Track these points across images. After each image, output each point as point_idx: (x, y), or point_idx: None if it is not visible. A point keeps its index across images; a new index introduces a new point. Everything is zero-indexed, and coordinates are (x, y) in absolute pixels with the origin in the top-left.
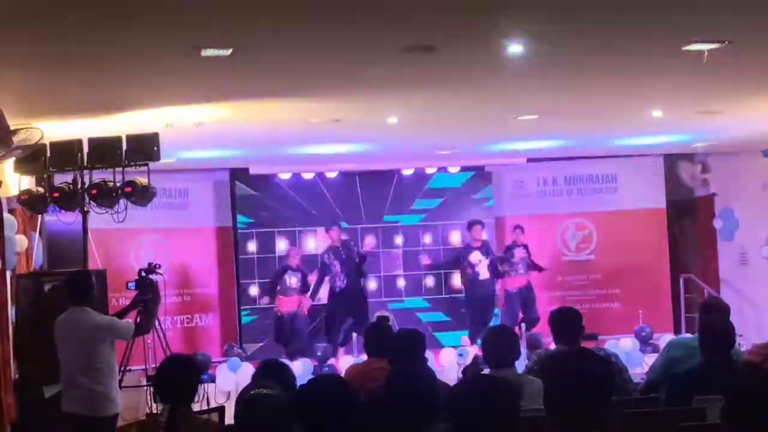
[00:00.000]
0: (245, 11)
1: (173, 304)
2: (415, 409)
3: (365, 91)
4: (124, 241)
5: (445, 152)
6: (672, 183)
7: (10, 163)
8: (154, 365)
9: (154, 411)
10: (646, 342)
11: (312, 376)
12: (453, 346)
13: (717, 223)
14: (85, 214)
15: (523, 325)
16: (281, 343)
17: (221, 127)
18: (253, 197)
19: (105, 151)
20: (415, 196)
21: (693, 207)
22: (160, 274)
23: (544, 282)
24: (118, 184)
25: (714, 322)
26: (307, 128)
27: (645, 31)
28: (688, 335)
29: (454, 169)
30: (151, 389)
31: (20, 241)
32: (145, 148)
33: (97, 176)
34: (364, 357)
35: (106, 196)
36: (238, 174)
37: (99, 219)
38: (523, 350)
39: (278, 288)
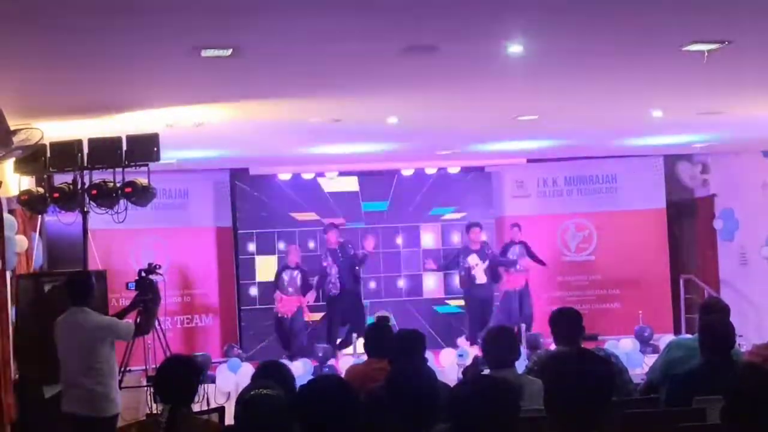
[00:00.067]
0: (245, 11)
1: (173, 304)
2: (415, 410)
3: (365, 91)
4: (124, 241)
5: (445, 152)
6: (672, 183)
7: (10, 163)
8: (154, 366)
9: (154, 411)
10: (646, 342)
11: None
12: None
13: (717, 224)
14: (85, 214)
15: (523, 325)
16: (282, 344)
17: (221, 127)
18: (253, 197)
19: (105, 151)
20: (415, 197)
21: (693, 207)
22: (160, 275)
23: (544, 282)
24: (118, 185)
25: (714, 323)
26: (307, 128)
27: (645, 31)
28: (688, 336)
29: (454, 170)
30: (151, 389)
31: (20, 242)
32: (145, 148)
33: (97, 176)
34: (364, 357)
35: (106, 197)
36: (238, 174)
37: (99, 219)
38: (523, 351)
39: (277, 286)
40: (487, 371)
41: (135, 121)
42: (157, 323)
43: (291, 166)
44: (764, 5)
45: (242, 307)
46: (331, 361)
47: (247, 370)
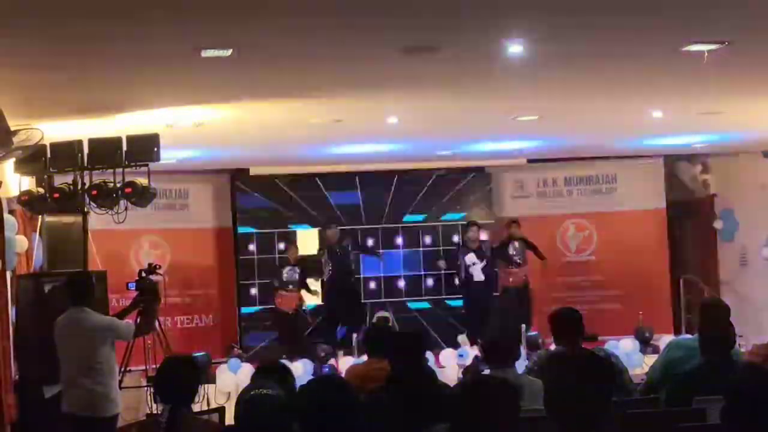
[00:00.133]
0: (245, 11)
1: (173, 304)
2: (415, 410)
3: (365, 91)
4: (124, 241)
5: (445, 152)
6: (672, 184)
7: (10, 163)
8: (154, 366)
9: (154, 411)
10: (646, 343)
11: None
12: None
13: (717, 224)
14: (85, 214)
15: (523, 325)
16: (282, 340)
17: (221, 127)
18: (253, 197)
19: (105, 151)
20: (415, 197)
21: (693, 208)
22: (160, 275)
23: (544, 282)
24: (118, 185)
25: (714, 323)
26: (307, 128)
27: (645, 32)
28: (688, 336)
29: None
30: (151, 389)
31: (20, 242)
32: (145, 148)
33: (97, 177)
34: (365, 357)
35: (106, 197)
36: (238, 174)
37: (99, 219)
38: (523, 351)
39: (277, 283)
40: (487, 371)
41: (135, 121)
42: (157, 323)
43: (291, 166)
44: (764, 5)
45: (242, 307)
46: (331, 362)
47: (247, 370)
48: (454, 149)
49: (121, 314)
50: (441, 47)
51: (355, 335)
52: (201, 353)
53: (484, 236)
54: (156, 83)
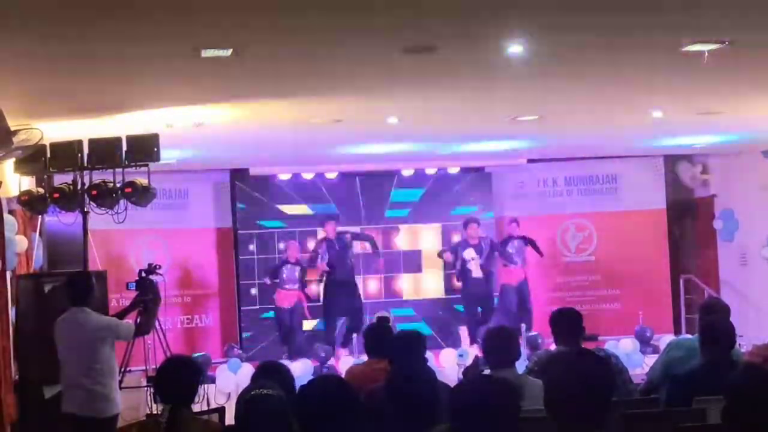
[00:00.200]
0: (245, 11)
1: (173, 304)
2: (415, 410)
3: (365, 91)
4: (124, 241)
5: (445, 152)
6: (672, 184)
7: (10, 163)
8: (154, 366)
9: (154, 411)
10: (646, 343)
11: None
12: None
13: (717, 224)
14: (85, 214)
15: (523, 325)
16: (282, 339)
17: (221, 127)
18: (253, 197)
19: (105, 151)
20: (415, 197)
21: (693, 208)
22: (160, 275)
23: (545, 282)
24: (118, 185)
25: (714, 323)
26: (307, 128)
27: (645, 32)
28: (688, 336)
29: (454, 170)
30: (151, 390)
31: (20, 242)
32: (145, 148)
33: (97, 177)
34: (365, 358)
35: (106, 197)
36: (238, 174)
37: (99, 219)
38: (524, 351)
39: (277, 281)
40: (487, 371)
41: (135, 121)
42: (157, 323)
43: (291, 166)
44: (764, 5)
45: (242, 307)
46: (331, 362)
47: (247, 370)
48: (454, 149)
49: (121, 314)
50: (441, 47)
51: (355, 335)
52: (201, 353)
53: (483, 233)
54: (156, 83)
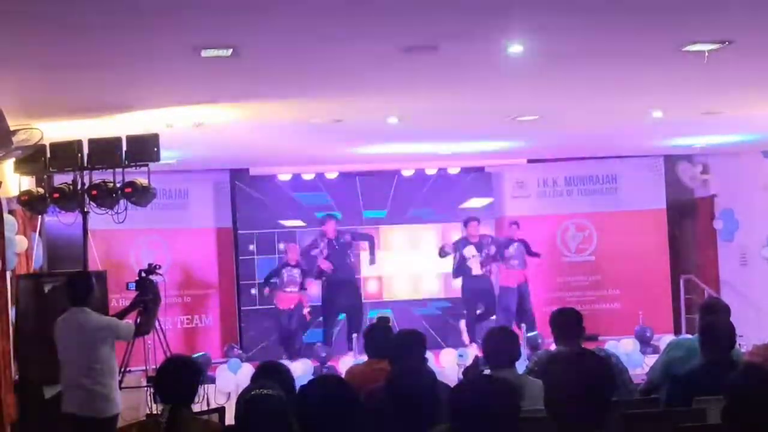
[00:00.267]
0: (245, 11)
1: (173, 304)
2: (415, 410)
3: (365, 91)
4: (124, 241)
5: (445, 152)
6: (672, 184)
7: (10, 163)
8: (154, 366)
9: (154, 411)
10: (646, 343)
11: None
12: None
13: (717, 224)
14: (85, 214)
15: (523, 325)
16: (282, 341)
17: (221, 127)
18: (253, 197)
19: (105, 151)
20: (415, 197)
21: (693, 208)
22: (160, 275)
23: (544, 282)
24: (118, 185)
25: (714, 323)
26: (307, 128)
27: (645, 32)
28: (688, 336)
29: (454, 170)
30: (151, 390)
31: (20, 242)
32: (145, 148)
33: (97, 177)
34: (365, 358)
35: (106, 197)
36: (238, 174)
37: (99, 219)
38: (524, 351)
39: (276, 284)
40: (487, 371)
41: (135, 121)
42: (157, 323)
43: (291, 166)
44: (764, 5)
45: (242, 307)
46: (331, 362)
47: (247, 371)
48: (454, 149)
49: (121, 314)
50: (441, 47)
51: (355, 335)
52: (201, 353)
53: (483, 231)
54: (156, 83)
